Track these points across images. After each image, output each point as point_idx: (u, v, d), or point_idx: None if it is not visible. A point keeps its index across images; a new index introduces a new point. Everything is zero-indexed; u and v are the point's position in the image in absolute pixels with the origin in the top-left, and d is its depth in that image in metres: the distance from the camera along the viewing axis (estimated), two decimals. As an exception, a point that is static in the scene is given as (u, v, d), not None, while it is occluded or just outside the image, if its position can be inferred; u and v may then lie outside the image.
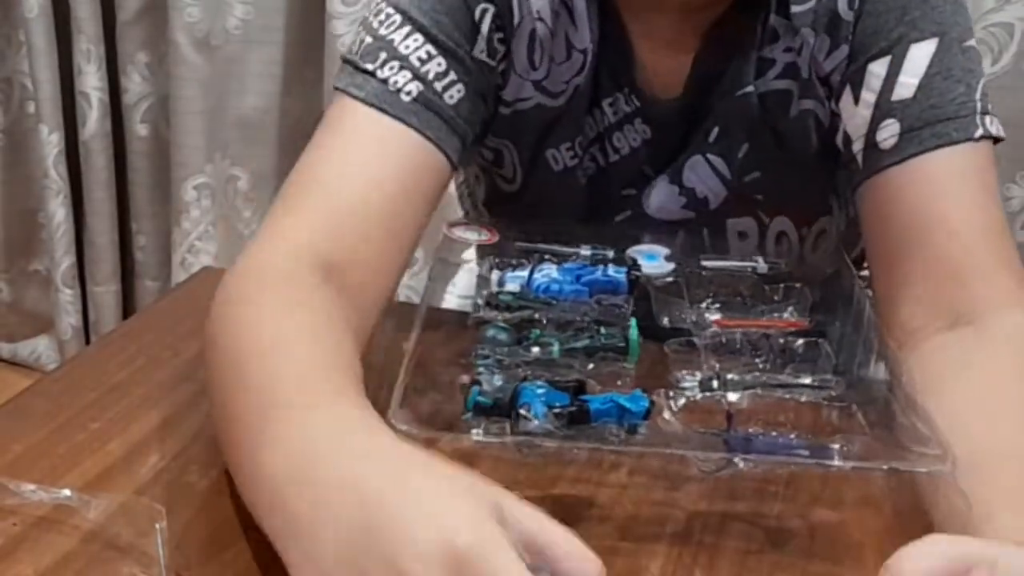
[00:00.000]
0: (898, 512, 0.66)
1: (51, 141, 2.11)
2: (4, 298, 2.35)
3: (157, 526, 0.61)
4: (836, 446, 0.69)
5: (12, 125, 2.23)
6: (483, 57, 0.88)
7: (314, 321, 0.71)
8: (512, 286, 0.82)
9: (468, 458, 0.65)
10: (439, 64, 0.86)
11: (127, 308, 2.29)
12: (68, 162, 2.16)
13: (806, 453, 0.66)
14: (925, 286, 0.81)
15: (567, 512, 0.66)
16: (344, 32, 1.91)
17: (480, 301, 0.80)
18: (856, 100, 0.87)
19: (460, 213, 1.16)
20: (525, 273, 0.83)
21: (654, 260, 0.86)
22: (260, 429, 0.62)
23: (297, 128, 2.08)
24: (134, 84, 2.13)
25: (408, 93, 0.84)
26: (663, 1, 0.89)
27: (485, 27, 0.88)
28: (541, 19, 0.90)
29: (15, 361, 2.36)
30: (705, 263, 0.86)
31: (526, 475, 0.69)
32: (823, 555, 0.65)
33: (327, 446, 0.59)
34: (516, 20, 0.90)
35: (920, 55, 0.85)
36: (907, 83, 0.85)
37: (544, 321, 0.78)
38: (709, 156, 0.94)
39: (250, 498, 0.62)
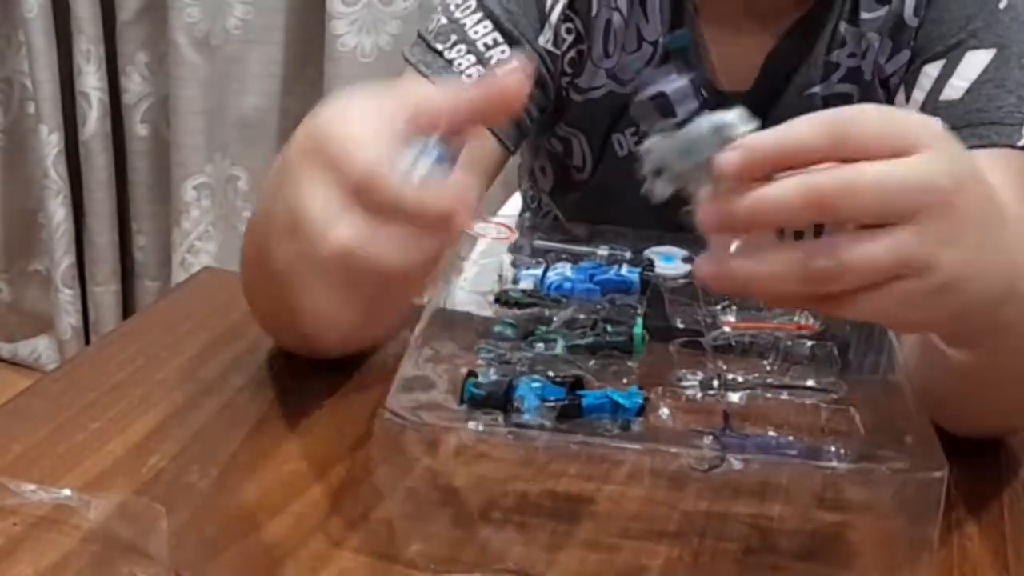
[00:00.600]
0: (899, 514, 0.66)
1: (51, 141, 2.11)
2: (4, 298, 2.35)
3: (157, 526, 0.61)
4: (831, 448, 0.69)
5: (12, 125, 2.23)
6: (548, 46, 0.92)
7: None
8: (525, 283, 0.82)
9: (469, 453, 0.66)
10: (503, 52, 0.90)
11: (127, 308, 2.29)
12: (68, 162, 2.16)
13: (796, 453, 0.66)
14: None
15: (568, 511, 0.66)
16: (344, 32, 1.91)
17: (491, 297, 0.80)
18: (907, 99, 0.88)
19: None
20: (539, 271, 0.83)
21: (671, 261, 0.87)
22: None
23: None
24: (134, 84, 2.13)
25: (469, 76, 0.89)
26: (748, 5, 0.91)
27: (555, 16, 0.92)
28: (618, 8, 0.93)
29: (15, 361, 2.36)
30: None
31: (527, 472, 0.69)
32: (823, 556, 0.65)
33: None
34: (594, 10, 0.93)
35: (975, 62, 0.86)
36: (957, 85, 0.85)
37: (553, 319, 0.78)
38: None
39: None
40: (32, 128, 2.16)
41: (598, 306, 0.80)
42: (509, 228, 0.91)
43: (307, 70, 2.05)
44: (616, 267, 0.84)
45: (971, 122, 0.84)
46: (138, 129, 2.15)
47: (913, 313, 0.54)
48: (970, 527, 0.69)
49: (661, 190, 0.55)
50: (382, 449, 0.62)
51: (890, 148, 0.51)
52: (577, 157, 1.01)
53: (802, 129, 0.52)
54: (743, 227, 0.53)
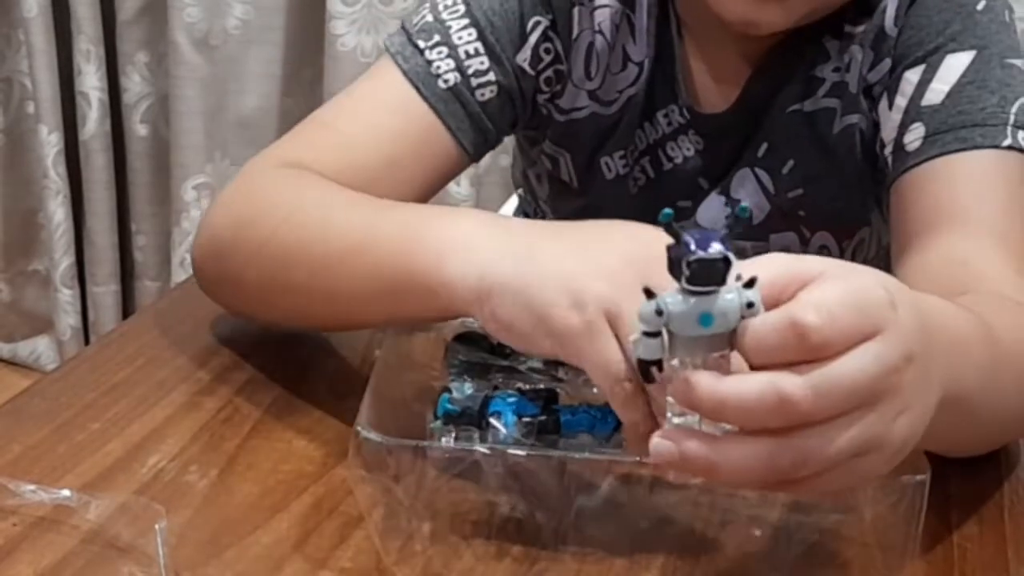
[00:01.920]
0: (898, 513, 0.66)
1: (51, 141, 2.11)
2: (3, 298, 2.35)
3: (157, 526, 0.61)
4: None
5: (12, 125, 2.23)
6: (524, 65, 0.92)
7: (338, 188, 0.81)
8: None
9: (448, 470, 0.65)
10: (482, 63, 0.90)
11: (127, 308, 2.29)
12: (68, 162, 2.15)
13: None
14: (938, 281, 0.81)
15: (554, 525, 0.66)
16: (344, 32, 1.91)
17: None
18: (890, 106, 0.88)
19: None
20: None
21: None
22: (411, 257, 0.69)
23: (297, 128, 2.08)
24: (134, 84, 2.13)
25: (446, 81, 0.89)
26: (728, 26, 0.90)
27: (534, 38, 0.92)
28: (601, 32, 0.93)
29: (14, 361, 2.36)
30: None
31: (509, 487, 0.68)
32: (824, 556, 0.65)
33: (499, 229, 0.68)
34: (574, 33, 0.93)
35: (955, 64, 0.86)
36: (938, 89, 0.85)
37: None
38: (757, 170, 0.96)
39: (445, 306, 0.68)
40: (32, 128, 2.16)
41: None
42: None
43: (307, 70, 2.05)
44: None
45: (953, 125, 0.84)
46: (138, 129, 2.15)
47: (871, 476, 0.55)
48: (970, 527, 0.69)
49: (646, 351, 0.52)
50: (360, 468, 0.61)
51: (857, 338, 0.51)
52: (565, 174, 1.01)
53: (764, 333, 0.50)
54: (704, 413, 0.52)
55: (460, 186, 1.92)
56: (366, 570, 0.63)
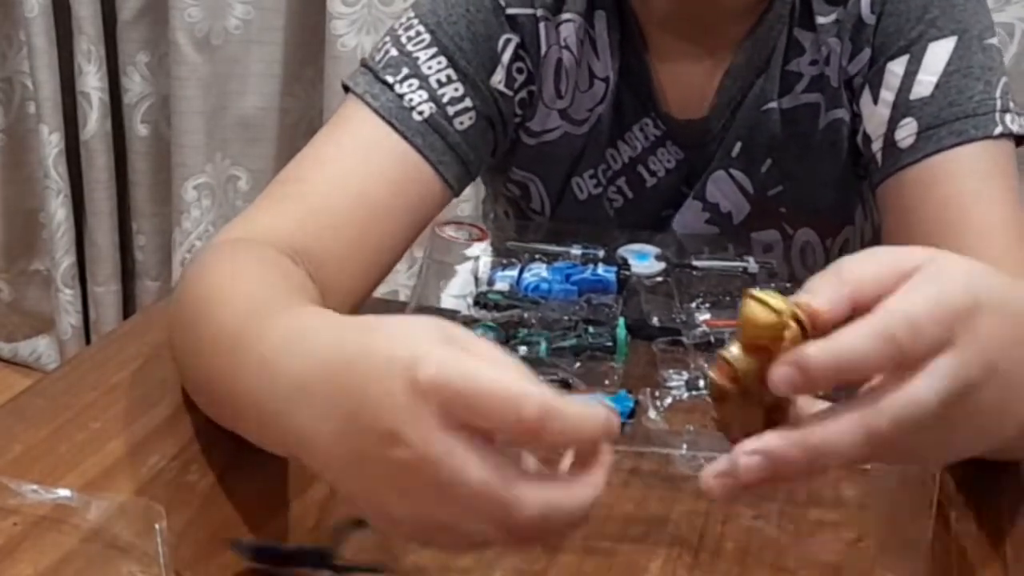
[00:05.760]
0: (898, 512, 0.66)
1: (51, 141, 2.12)
2: (4, 298, 2.35)
3: (157, 526, 0.61)
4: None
5: (13, 125, 2.23)
6: (500, 87, 0.89)
7: (283, 271, 0.73)
8: (502, 285, 0.82)
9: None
10: (456, 89, 0.87)
11: (127, 308, 2.29)
12: (68, 162, 2.16)
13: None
14: None
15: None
16: (344, 32, 1.91)
17: (470, 300, 0.80)
18: (875, 100, 0.87)
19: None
20: (515, 272, 0.83)
21: (644, 259, 0.87)
22: (231, 350, 0.60)
23: (297, 128, 2.08)
24: (134, 84, 2.13)
25: (420, 113, 0.85)
26: (688, 6, 0.89)
27: (506, 57, 0.89)
28: (568, 47, 0.91)
29: (15, 361, 2.36)
30: (696, 263, 0.86)
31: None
32: (824, 555, 0.65)
33: (292, 344, 0.56)
34: (543, 51, 0.91)
35: (939, 53, 0.85)
36: (925, 81, 0.84)
37: (532, 320, 0.78)
38: (732, 171, 0.95)
39: (233, 418, 0.63)
40: (33, 128, 2.16)
41: (576, 306, 0.79)
42: (482, 230, 0.91)
43: (307, 70, 2.05)
44: (591, 266, 0.84)
45: (946, 119, 0.83)
46: (139, 129, 2.15)
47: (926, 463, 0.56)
48: (970, 527, 0.69)
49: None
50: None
51: (939, 348, 0.50)
52: (536, 201, 0.99)
53: (859, 345, 0.49)
54: (798, 471, 0.50)
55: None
56: (369, 570, 0.63)
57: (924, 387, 0.50)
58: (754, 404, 0.52)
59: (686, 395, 0.75)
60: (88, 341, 2.26)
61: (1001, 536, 0.69)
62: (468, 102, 0.87)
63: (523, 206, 1.01)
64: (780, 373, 0.49)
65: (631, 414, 0.68)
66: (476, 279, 0.85)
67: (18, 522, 0.64)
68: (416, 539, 0.53)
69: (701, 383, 0.76)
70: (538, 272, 0.83)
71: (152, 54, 2.11)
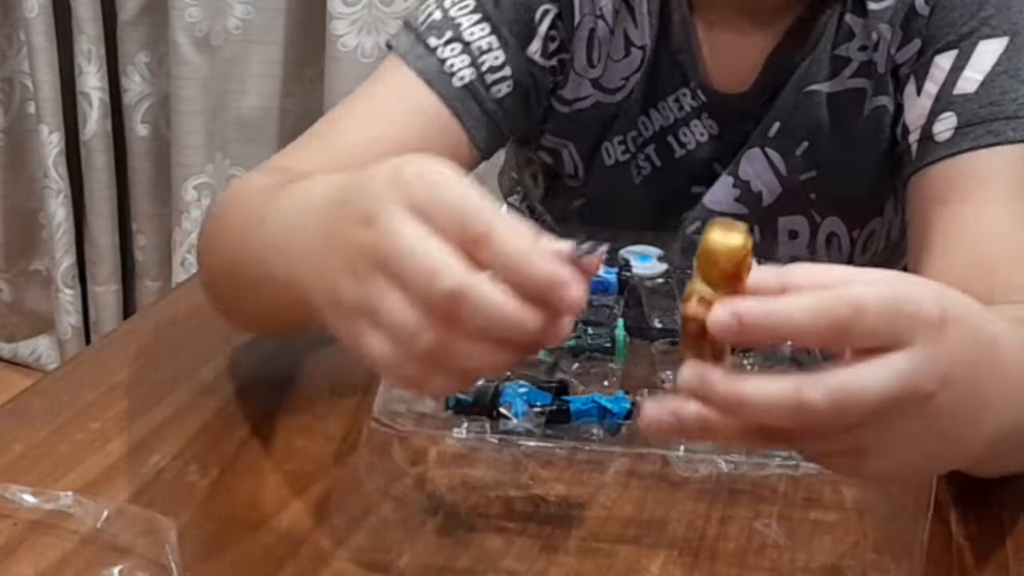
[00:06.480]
0: (896, 514, 0.66)
1: (51, 141, 2.12)
2: (4, 298, 2.35)
3: (167, 542, 0.61)
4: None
5: (13, 125, 2.23)
6: (536, 57, 0.90)
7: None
8: None
9: (458, 460, 0.65)
10: (496, 57, 0.88)
11: (127, 308, 2.29)
12: (68, 162, 2.16)
13: (786, 456, 0.67)
14: (960, 286, 0.80)
15: (560, 516, 0.66)
16: (345, 32, 1.91)
17: None
18: (919, 91, 0.87)
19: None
20: None
21: (647, 261, 0.87)
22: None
23: (297, 128, 2.07)
24: (135, 84, 2.13)
25: (461, 79, 0.87)
26: (745, 6, 0.90)
27: (543, 28, 0.90)
28: (602, 16, 0.91)
29: (15, 361, 2.36)
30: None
31: (517, 478, 0.69)
32: (823, 555, 0.65)
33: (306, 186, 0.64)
34: (576, 20, 0.91)
35: (988, 51, 0.84)
36: (971, 77, 0.84)
37: None
38: (767, 150, 0.94)
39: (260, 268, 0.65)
40: (33, 128, 2.16)
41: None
42: None
43: (307, 70, 2.05)
44: None
45: (985, 117, 0.83)
46: (139, 129, 2.15)
47: (875, 478, 0.56)
48: (970, 527, 0.69)
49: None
50: (371, 458, 0.61)
51: (893, 344, 0.50)
52: (568, 166, 1.00)
53: (795, 312, 0.50)
54: (718, 409, 0.50)
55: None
56: (367, 569, 0.63)
57: (867, 375, 0.50)
58: (719, 346, 0.51)
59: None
60: (88, 341, 2.26)
61: (1001, 536, 0.69)
62: (507, 71, 0.89)
63: (558, 172, 1.02)
64: (719, 316, 0.50)
65: (628, 416, 0.68)
66: None
67: (18, 522, 0.64)
68: (348, 332, 0.54)
69: None
70: None
71: (152, 54, 2.11)
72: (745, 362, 0.73)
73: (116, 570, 0.61)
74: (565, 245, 0.51)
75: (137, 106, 2.14)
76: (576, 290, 0.50)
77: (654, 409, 0.51)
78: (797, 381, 0.49)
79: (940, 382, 0.51)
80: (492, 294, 0.50)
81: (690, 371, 0.50)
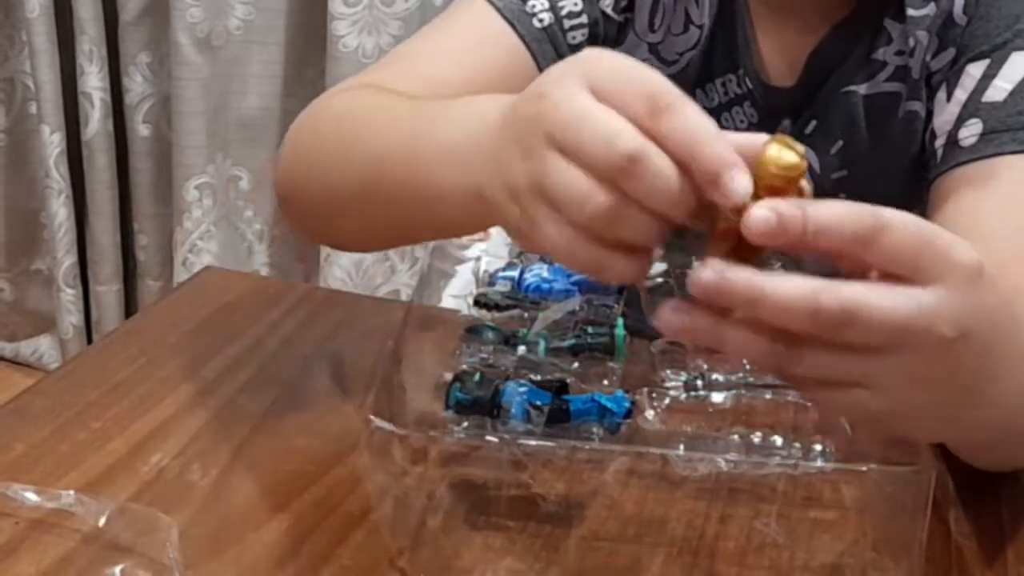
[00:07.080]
0: (896, 512, 0.66)
1: (53, 141, 2.12)
2: (6, 297, 2.35)
3: (168, 536, 0.61)
4: (818, 447, 0.69)
5: (14, 125, 2.23)
6: (608, 10, 0.92)
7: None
8: (503, 285, 0.82)
9: (459, 459, 0.65)
10: (576, 3, 0.90)
11: (129, 308, 2.29)
12: (70, 162, 2.16)
13: (785, 455, 0.67)
14: None
15: (561, 515, 0.66)
16: (345, 33, 1.92)
17: (470, 300, 0.80)
18: (949, 97, 0.87)
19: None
20: (515, 272, 0.83)
21: None
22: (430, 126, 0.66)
23: (298, 128, 2.08)
24: (136, 84, 2.13)
25: (541, 20, 0.89)
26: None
27: None
28: None
29: (17, 360, 2.36)
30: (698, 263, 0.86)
31: (518, 478, 0.69)
32: (822, 553, 0.65)
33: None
34: None
35: (1020, 62, 0.85)
36: (1000, 87, 0.85)
37: (532, 320, 0.78)
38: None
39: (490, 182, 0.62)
40: (34, 128, 2.16)
41: (577, 307, 0.79)
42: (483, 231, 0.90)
43: (308, 71, 2.05)
44: None
45: (1011, 126, 0.83)
46: (140, 129, 2.15)
47: (861, 416, 0.55)
48: (970, 527, 0.69)
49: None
50: (371, 457, 0.61)
51: (911, 272, 0.50)
52: None
53: (830, 215, 0.50)
54: (736, 305, 0.50)
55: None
56: (367, 568, 0.63)
57: (886, 294, 0.49)
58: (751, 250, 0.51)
59: (684, 396, 0.75)
60: (89, 341, 2.26)
61: (1001, 536, 0.69)
62: (584, 18, 0.90)
63: None
64: (758, 213, 0.49)
65: (628, 415, 0.68)
66: (476, 279, 0.85)
67: (20, 521, 0.65)
68: (525, 222, 0.54)
69: (699, 384, 0.76)
70: (539, 272, 0.83)
71: (153, 54, 2.11)
72: None
73: (118, 569, 0.61)
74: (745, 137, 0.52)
75: (138, 106, 2.14)
76: (744, 179, 0.50)
77: (669, 310, 0.52)
78: (816, 285, 0.49)
79: (960, 330, 0.50)
80: (667, 160, 0.51)
81: (711, 267, 0.50)
